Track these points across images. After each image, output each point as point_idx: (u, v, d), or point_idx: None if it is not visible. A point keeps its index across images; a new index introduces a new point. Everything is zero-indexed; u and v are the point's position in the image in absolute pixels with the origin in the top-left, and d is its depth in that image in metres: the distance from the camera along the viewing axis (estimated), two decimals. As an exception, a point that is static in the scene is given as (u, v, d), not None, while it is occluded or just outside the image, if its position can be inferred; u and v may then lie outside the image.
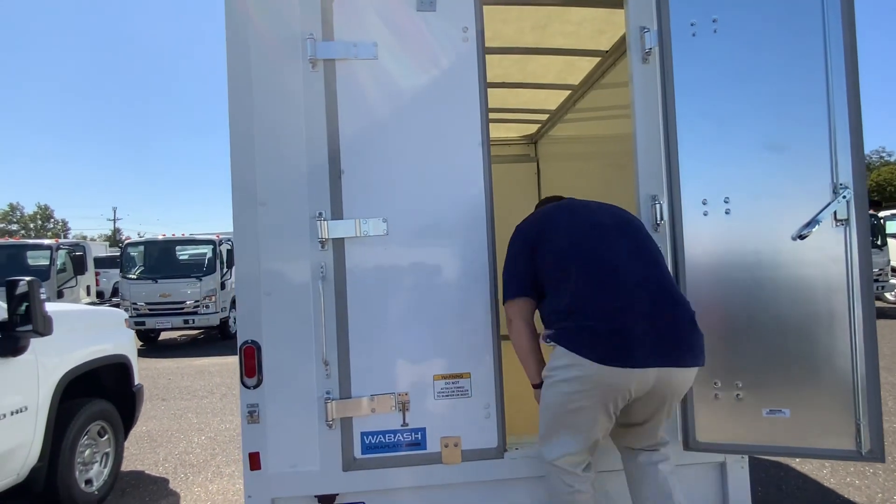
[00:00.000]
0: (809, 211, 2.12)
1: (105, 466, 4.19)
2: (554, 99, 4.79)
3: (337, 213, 2.29)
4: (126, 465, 4.66)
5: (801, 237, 2.10)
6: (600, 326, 1.87)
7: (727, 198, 2.23)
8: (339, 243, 2.29)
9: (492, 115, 5.11)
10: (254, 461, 2.24)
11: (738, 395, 2.22)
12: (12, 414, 3.24)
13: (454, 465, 2.30)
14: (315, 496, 2.28)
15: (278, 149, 2.30)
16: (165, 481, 4.53)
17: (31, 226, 64.47)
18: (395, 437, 2.29)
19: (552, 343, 1.98)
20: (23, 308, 3.13)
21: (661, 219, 2.35)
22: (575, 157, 4.80)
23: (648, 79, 2.40)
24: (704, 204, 2.26)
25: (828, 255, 2.11)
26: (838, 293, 2.10)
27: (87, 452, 4.01)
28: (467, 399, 2.32)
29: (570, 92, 4.43)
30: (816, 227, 2.08)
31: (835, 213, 2.09)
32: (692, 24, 2.27)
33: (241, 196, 2.28)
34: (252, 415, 2.24)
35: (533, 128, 5.68)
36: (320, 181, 2.29)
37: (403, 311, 2.31)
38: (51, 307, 3.90)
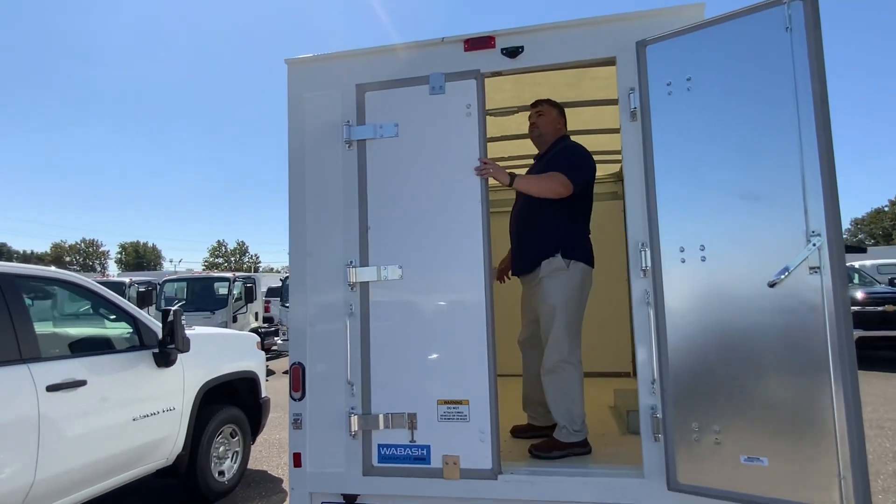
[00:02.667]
0: (784, 258, 2.13)
1: (235, 462, 5.16)
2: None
3: (364, 261, 2.83)
4: (254, 465, 5.63)
5: (772, 285, 2.12)
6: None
7: (703, 245, 2.32)
8: (364, 286, 2.82)
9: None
10: (296, 460, 2.81)
11: (716, 439, 2.25)
12: (164, 411, 4.27)
13: (453, 480, 2.63)
14: (341, 494, 2.77)
15: (322, 210, 2.92)
16: (281, 480, 5.39)
17: (232, 259, 76.10)
18: (404, 451, 2.71)
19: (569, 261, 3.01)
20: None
21: (647, 264, 2.49)
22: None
23: (636, 134, 2.59)
24: (682, 251, 2.37)
25: (803, 302, 2.09)
26: (816, 341, 2.07)
27: (221, 449, 5.00)
28: (466, 423, 2.65)
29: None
30: (786, 274, 2.09)
31: (807, 260, 2.08)
32: (668, 84, 2.44)
33: (295, 248, 2.94)
34: (296, 422, 2.83)
35: (617, 166, 5.76)
36: (352, 235, 2.85)
37: (414, 343, 2.75)
38: (200, 330, 5.03)
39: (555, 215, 3.01)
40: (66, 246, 75.69)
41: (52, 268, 4.29)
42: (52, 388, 3.36)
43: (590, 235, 3.19)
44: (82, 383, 3.57)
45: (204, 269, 56.35)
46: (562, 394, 2.89)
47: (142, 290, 12.76)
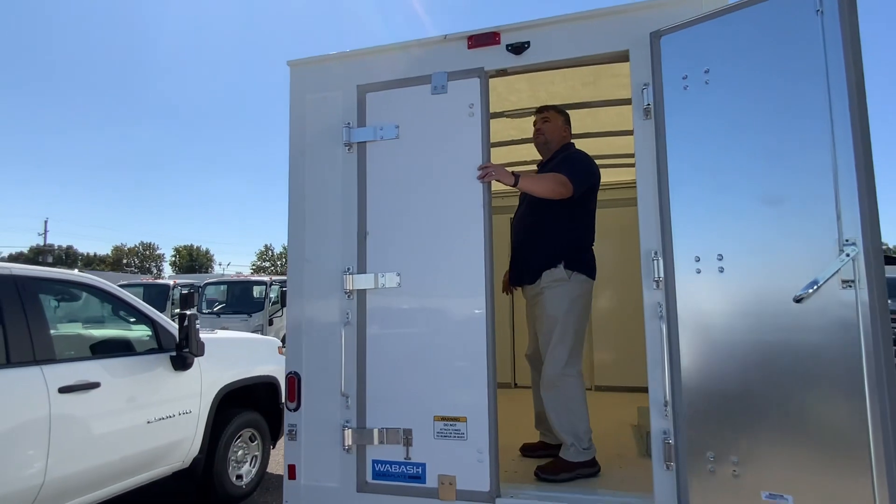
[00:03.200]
0: (812, 270, 1.89)
1: (254, 466, 5.14)
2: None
3: (361, 268, 2.72)
4: (275, 469, 5.61)
5: (798, 300, 1.88)
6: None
7: (720, 255, 2.09)
8: (361, 294, 2.71)
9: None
10: (291, 472, 2.72)
11: (734, 471, 2.01)
12: (180, 414, 4.28)
13: (449, 502, 2.47)
14: (335, 510, 2.66)
15: (321, 215, 2.84)
16: (300, 487, 5.35)
17: (279, 263, 78.07)
18: (399, 469, 2.57)
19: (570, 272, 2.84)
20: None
21: (659, 275, 2.28)
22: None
23: (648, 134, 2.38)
24: (697, 261, 2.15)
25: (835, 320, 1.84)
26: (849, 364, 1.81)
27: (239, 453, 4.99)
28: (463, 441, 2.49)
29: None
30: (814, 288, 1.85)
31: (839, 272, 1.83)
32: (684, 78, 2.23)
33: (293, 253, 2.86)
34: (291, 433, 2.74)
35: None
36: (350, 241, 2.75)
37: (411, 355, 2.61)
38: (221, 334, 5.06)
39: (557, 225, 2.85)
40: (126, 249, 79.63)
41: (75, 271, 4.39)
42: (64, 390, 3.40)
43: (593, 246, 3.02)
44: (96, 385, 3.61)
45: (252, 273, 58.14)
46: (565, 410, 2.70)
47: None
